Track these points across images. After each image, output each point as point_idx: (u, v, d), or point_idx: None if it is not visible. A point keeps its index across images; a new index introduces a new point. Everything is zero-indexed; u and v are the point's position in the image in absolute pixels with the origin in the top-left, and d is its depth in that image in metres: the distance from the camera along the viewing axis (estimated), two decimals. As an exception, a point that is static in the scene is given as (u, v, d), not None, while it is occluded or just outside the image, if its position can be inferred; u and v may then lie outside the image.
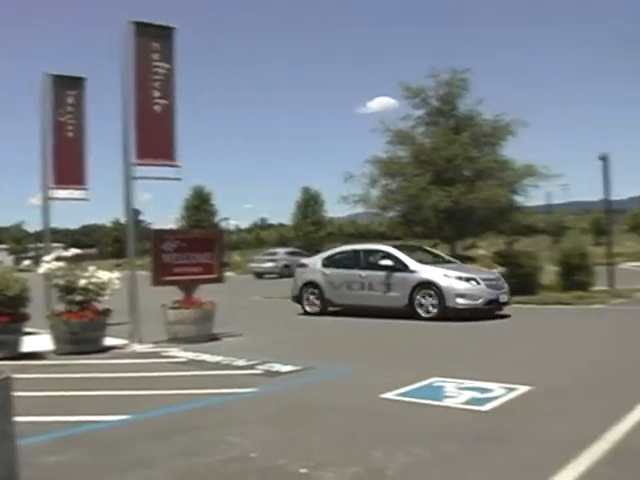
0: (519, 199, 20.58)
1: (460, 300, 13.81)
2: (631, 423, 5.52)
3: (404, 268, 14.66)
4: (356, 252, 16.21)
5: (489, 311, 14.04)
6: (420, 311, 14.06)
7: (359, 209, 22.37)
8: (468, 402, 6.42)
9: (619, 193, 57.66)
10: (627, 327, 12.58)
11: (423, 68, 21.31)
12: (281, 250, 42.96)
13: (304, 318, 15.72)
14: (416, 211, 19.24)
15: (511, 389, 6.86)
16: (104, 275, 11.08)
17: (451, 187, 18.66)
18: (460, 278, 14.10)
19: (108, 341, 10.94)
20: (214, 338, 11.60)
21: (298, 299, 16.63)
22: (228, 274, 26.00)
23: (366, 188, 20.23)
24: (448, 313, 13.70)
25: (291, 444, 5.19)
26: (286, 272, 38.83)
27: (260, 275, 39.56)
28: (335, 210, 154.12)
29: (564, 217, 63.78)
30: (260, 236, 72.31)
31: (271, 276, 38.62)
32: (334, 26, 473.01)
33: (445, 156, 18.87)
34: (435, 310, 13.86)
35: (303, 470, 4.54)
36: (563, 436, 5.19)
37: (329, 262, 16.42)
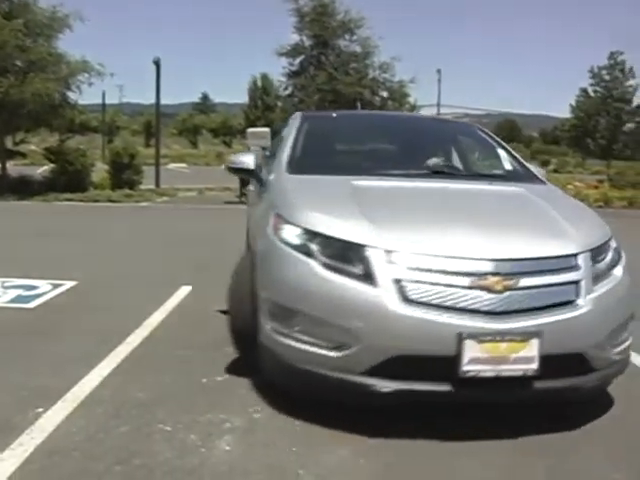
0: (73, 96, 20.23)
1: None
2: (167, 310, 6.13)
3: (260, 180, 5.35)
4: None
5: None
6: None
7: None
8: (13, 300, 6.43)
9: (170, 98, 60.26)
10: (171, 222, 13.56)
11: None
12: None
13: None
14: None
15: (57, 285, 7.04)
16: None
17: (1, 77, 17.41)
18: None
19: None
20: None
21: None
22: None
23: None
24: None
25: None
26: None
27: None
28: None
29: (117, 117, 64.13)
30: None
31: None
32: None
33: (-7, 43, 17.46)
34: None
35: None
36: (106, 328, 5.51)
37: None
